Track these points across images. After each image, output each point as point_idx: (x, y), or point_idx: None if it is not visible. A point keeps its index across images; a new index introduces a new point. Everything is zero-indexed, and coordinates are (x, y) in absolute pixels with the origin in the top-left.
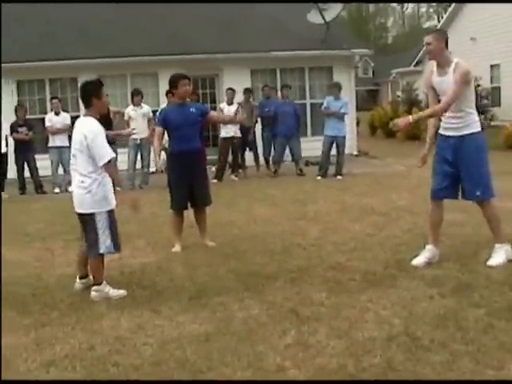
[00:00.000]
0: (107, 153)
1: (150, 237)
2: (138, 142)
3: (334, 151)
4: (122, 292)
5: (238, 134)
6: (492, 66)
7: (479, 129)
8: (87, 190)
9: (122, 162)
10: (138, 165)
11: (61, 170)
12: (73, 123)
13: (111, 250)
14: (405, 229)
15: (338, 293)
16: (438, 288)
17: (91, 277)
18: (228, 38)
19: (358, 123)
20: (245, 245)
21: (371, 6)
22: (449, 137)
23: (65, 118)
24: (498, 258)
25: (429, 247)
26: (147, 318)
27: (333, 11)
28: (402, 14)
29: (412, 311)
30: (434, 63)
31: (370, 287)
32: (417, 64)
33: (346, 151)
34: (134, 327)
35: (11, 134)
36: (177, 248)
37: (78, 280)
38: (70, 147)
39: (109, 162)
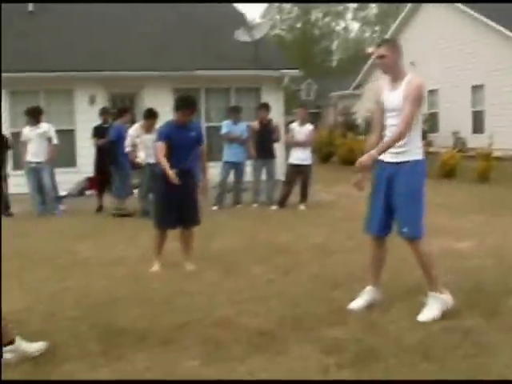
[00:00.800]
0: None
1: (26, 276)
2: (34, 165)
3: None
4: (40, 345)
5: (306, 162)
6: (430, 92)
7: (420, 157)
8: None
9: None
10: None
11: None
12: None
13: None
14: (312, 274)
15: (215, 360)
16: (335, 356)
17: None
18: (150, 55)
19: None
20: (122, 290)
21: (316, 30)
22: (386, 163)
23: None
24: (430, 311)
25: (369, 288)
26: None
27: (261, 29)
28: (347, 38)
29: None
30: (386, 78)
31: (254, 353)
32: (356, 87)
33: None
34: None
35: None
36: (155, 267)
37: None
38: None
39: None
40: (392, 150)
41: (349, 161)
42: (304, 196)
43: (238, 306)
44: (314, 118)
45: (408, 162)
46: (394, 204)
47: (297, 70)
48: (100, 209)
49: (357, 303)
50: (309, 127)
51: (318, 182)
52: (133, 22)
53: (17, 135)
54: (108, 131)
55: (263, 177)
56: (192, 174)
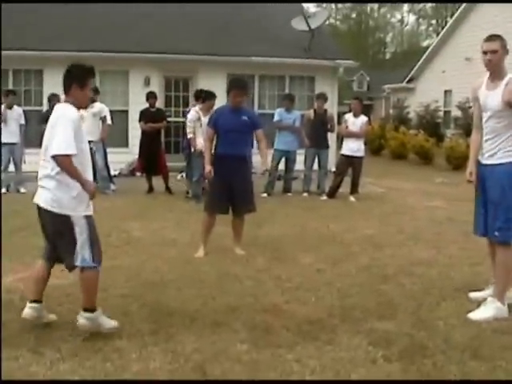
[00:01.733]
0: (67, 144)
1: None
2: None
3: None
4: (114, 323)
5: (359, 154)
6: None
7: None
8: (62, 185)
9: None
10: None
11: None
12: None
13: (90, 263)
14: (362, 266)
15: (263, 346)
16: (383, 349)
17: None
18: (205, 40)
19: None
20: (174, 272)
21: (371, 21)
22: (483, 165)
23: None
24: (483, 312)
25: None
26: (23, 362)
27: (318, 19)
28: (402, 30)
29: (345, 379)
30: (486, 74)
31: (302, 341)
32: (409, 81)
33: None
34: (3, 374)
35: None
36: (200, 253)
37: (28, 304)
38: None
39: (66, 156)
40: (489, 151)
41: (400, 155)
42: (355, 187)
43: (287, 294)
44: (366, 110)
45: (503, 164)
46: (488, 205)
47: (351, 61)
48: (151, 190)
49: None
50: (363, 119)
51: (368, 175)
52: (190, 7)
53: None
54: (154, 115)
55: (315, 166)
56: (246, 160)
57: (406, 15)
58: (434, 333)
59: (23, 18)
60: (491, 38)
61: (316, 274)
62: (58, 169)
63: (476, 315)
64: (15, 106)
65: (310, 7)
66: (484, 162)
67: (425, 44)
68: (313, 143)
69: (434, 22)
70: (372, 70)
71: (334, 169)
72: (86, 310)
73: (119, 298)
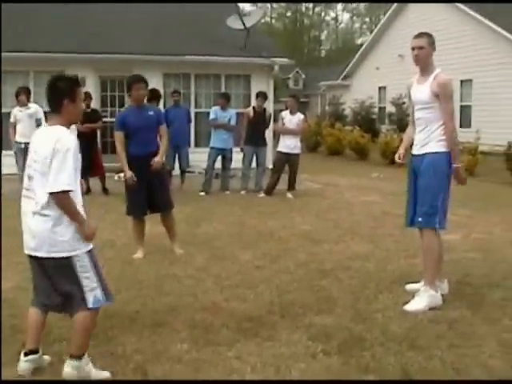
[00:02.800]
0: (67, 179)
1: (13, 257)
2: (23, 146)
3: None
4: (106, 374)
5: (295, 151)
6: None
7: (443, 149)
8: (55, 224)
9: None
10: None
11: None
12: None
13: (103, 302)
14: (301, 261)
15: (203, 345)
16: (323, 343)
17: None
18: (141, 39)
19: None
20: (112, 273)
21: (306, 19)
22: (415, 155)
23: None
24: (417, 303)
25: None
26: None
27: (253, 17)
28: (336, 28)
29: (286, 375)
30: (417, 71)
31: (242, 338)
32: (344, 78)
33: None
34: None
35: None
36: (139, 254)
37: (22, 357)
38: None
39: (64, 192)
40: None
41: (336, 151)
42: (292, 184)
43: (226, 292)
44: (302, 108)
45: (431, 153)
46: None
47: (287, 59)
48: (88, 191)
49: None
50: (299, 116)
51: (305, 171)
52: (125, 6)
53: None
54: (90, 115)
55: (253, 164)
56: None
57: (341, 13)
58: (372, 325)
59: None
60: (419, 35)
61: (255, 271)
62: (44, 203)
63: (411, 306)
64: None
65: (246, 6)
66: (416, 152)
67: (359, 42)
68: (251, 141)
69: (367, 19)
70: (307, 67)
71: (271, 166)
72: (72, 356)
73: None
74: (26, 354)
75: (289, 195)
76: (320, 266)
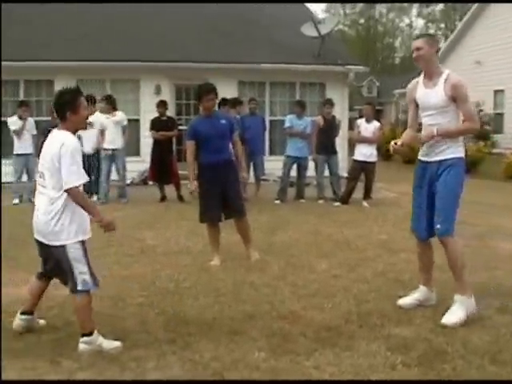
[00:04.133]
0: (77, 176)
1: (91, 262)
2: (110, 152)
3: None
4: (117, 344)
5: (372, 159)
6: (496, 92)
7: (461, 154)
8: (57, 216)
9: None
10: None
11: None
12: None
13: (90, 285)
14: (378, 271)
15: (281, 353)
16: (402, 354)
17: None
18: (216, 47)
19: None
20: (189, 280)
21: (379, 26)
22: (428, 162)
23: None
24: (454, 314)
25: (421, 288)
26: (41, 372)
27: (328, 25)
28: (410, 34)
29: None
30: (421, 75)
31: (320, 348)
32: None
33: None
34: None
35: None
36: (215, 261)
37: (18, 315)
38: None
39: (76, 187)
40: (435, 148)
41: (411, 159)
42: (368, 193)
43: (303, 301)
44: (377, 115)
45: (449, 159)
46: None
47: (362, 66)
48: (163, 198)
49: (404, 301)
50: (375, 124)
51: (380, 180)
52: (196, 15)
53: None
54: (166, 123)
55: (326, 172)
56: (231, 165)
57: (415, 19)
58: (453, 337)
59: (32, 29)
60: (418, 36)
61: (332, 280)
62: (51, 198)
63: (448, 319)
64: (29, 117)
65: (319, 13)
66: (431, 159)
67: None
68: (322, 150)
69: (442, 25)
70: (381, 75)
71: (345, 174)
72: (83, 335)
73: (136, 307)
74: (21, 313)
75: (365, 204)
76: (398, 276)
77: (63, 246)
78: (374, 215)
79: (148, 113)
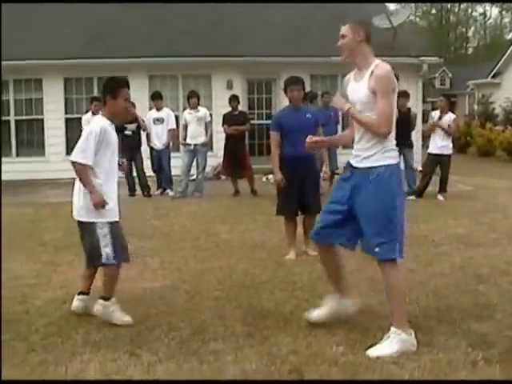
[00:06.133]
0: (85, 154)
1: (167, 255)
2: (192, 147)
3: None
4: (128, 319)
5: (447, 152)
6: None
7: (390, 161)
8: (85, 195)
9: (175, 168)
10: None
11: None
12: None
13: (111, 260)
14: (456, 265)
15: (359, 348)
16: (484, 350)
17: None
18: (287, 42)
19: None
20: (265, 274)
21: (452, 16)
22: (355, 168)
23: None
24: (385, 348)
25: (330, 296)
26: (121, 364)
27: (400, 16)
28: (484, 24)
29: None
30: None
31: None
32: (494, 76)
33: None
34: (101, 375)
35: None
36: (291, 255)
37: (76, 296)
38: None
39: (82, 165)
40: (359, 153)
41: (487, 152)
42: (443, 186)
43: (380, 295)
44: (451, 108)
45: (377, 167)
46: (358, 217)
47: (436, 58)
48: (237, 193)
49: (312, 313)
50: (451, 116)
51: (455, 173)
52: (266, 8)
53: None
54: (238, 118)
55: (401, 166)
56: (314, 159)
57: (489, 8)
58: None
59: (102, 26)
60: (348, 23)
61: (409, 275)
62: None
63: (377, 351)
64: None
65: (390, 5)
66: (357, 165)
67: (509, 37)
68: (397, 143)
69: None
70: (454, 66)
71: (419, 168)
72: (102, 298)
73: (212, 301)
74: (79, 294)
75: (440, 197)
76: (476, 271)
77: (92, 223)
78: (449, 209)
79: (220, 108)
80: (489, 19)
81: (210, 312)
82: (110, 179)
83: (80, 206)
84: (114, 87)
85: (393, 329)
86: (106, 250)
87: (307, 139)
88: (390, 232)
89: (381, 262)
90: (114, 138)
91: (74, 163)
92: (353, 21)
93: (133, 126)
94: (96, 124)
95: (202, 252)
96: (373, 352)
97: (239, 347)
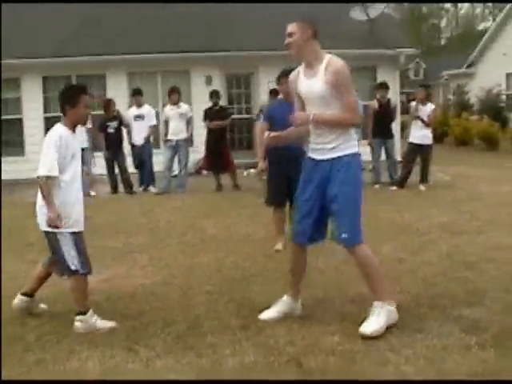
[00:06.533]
0: (49, 166)
1: (155, 251)
2: (174, 143)
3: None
4: (111, 324)
5: (427, 141)
6: None
7: (354, 150)
8: (43, 204)
9: (157, 164)
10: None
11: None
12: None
13: (80, 270)
14: (443, 253)
15: (354, 336)
16: (476, 336)
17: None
18: (264, 36)
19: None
20: (255, 267)
21: (424, 7)
22: (318, 161)
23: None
24: (373, 323)
25: (284, 298)
26: (120, 360)
27: (377, 8)
28: (456, 15)
29: (441, 368)
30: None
31: (393, 330)
32: (469, 66)
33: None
34: (100, 372)
35: (101, 130)
36: (279, 246)
37: (18, 295)
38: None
39: (45, 177)
40: (322, 145)
41: (463, 141)
42: (424, 176)
43: None
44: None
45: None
46: (328, 207)
47: (413, 49)
48: (219, 187)
49: (267, 314)
50: (430, 106)
51: (435, 163)
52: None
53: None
54: (219, 113)
55: (382, 157)
56: (300, 151)
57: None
58: None
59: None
60: (293, 21)
61: (398, 264)
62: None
63: (366, 328)
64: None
65: None
66: (323, 157)
67: (481, 27)
68: (379, 134)
69: (490, 4)
70: (427, 57)
71: (399, 158)
72: (79, 313)
73: (205, 295)
74: (22, 294)
75: (421, 187)
76: (463, 258)
77: (53, 233)
78: (431, 198)
79: (199, 103)
80: (461, 10)
81: (204, 306)
82: (73, 188)
83: (43, 215)
84: (73, 95)
85: (376, 303)
86: (74, 261)
87: (265, 136)
88: (357, 217)
89: (350, 247)
90: (75, 145)
91: (38, 177)
92: (299, 18)
93: (115, 124)
94: (54, 133)
95: (189, 247)
96: (364, 329)
97: (236, 340)
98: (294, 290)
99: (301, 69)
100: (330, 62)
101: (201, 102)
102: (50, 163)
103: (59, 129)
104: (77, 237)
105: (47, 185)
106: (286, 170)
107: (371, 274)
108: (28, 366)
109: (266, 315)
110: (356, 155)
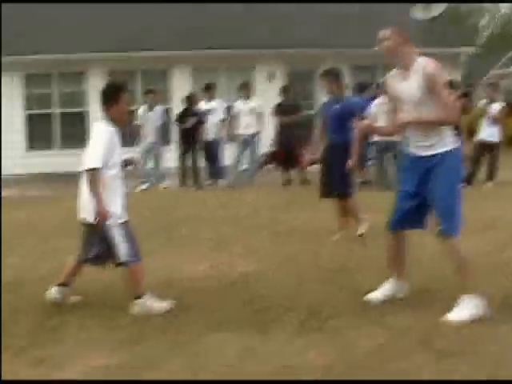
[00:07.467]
0: (96, 159)
1: (248, 242)
2: (245, 137)
3: None
4: (166, 305)
5: (495, 139)
6: None
7: (454, 145)
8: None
9: (227, 158)
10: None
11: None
12: None
13: (131, 258)
14: None
15: (473, 322)
16: None
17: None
18: (329, 33)
19: None
20: (352, 255)
21: (463, 6)
22: (420, 157)
23: None
24: (460, 311)
25: (391, 280)
26: (257, 343)
27: (438, 7)
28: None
29: None
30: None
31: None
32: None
33: None
34: (242, 353)
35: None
36: (337, 236)
37: (54, 286)
38: None
39: (93, 170)
40: (424, 143)
41: None
42: (492, 173)
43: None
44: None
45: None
46: (428, 199)
47: (473, 47)
48: (288, 182)
49: (373, 295)
50: (499, 104)
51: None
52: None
53: None
54: (290, 108)
55: None
56: (341, 147)
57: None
58: None
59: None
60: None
61: (484, 258)
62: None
63: (453, 315)
64: (156, 106)
65: None
66: (424, 153)
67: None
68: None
69: None
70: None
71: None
72: (136, 297)
73: (313, 284)
74: (58, 285)
75: (489, 185)
76: None
77: (103, 226)
78: (501, 196)
79: (262, 99)
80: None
81: (317, 294)
82: (117, 181)
83: (91, 208)
84: (114, 93)
85: (465, 296)
86: (125, 251)
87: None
88: (457, 210)
89: (447, 238)
90: (118, 141)
91: (87, 171)
92: (392, 26)
93: (194, 120)
94: (100, 128)
95: (279, 238)
96: (449, 316)
97: (357, 325)
98: (399, 273)
99: (396, 71)
100: (424, 63)
101: (263, 97)
102: (98, 156)
103: (100, 126)
104: (125, 226)
105: (95, 177)
106: (329, 166)
107: (463, 267)
108: (28, 365)
109: (373, 296)
110: (456, 150)
